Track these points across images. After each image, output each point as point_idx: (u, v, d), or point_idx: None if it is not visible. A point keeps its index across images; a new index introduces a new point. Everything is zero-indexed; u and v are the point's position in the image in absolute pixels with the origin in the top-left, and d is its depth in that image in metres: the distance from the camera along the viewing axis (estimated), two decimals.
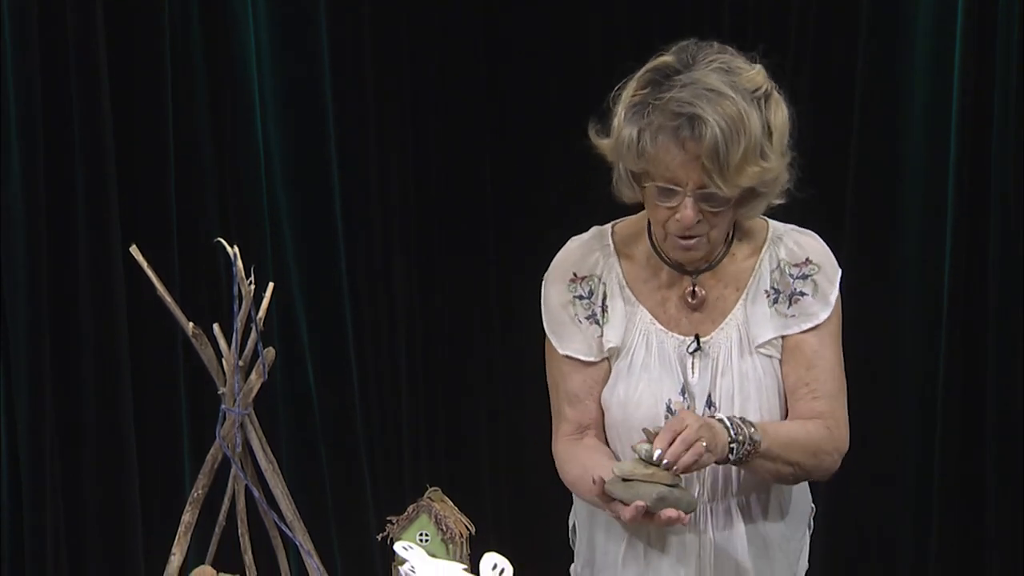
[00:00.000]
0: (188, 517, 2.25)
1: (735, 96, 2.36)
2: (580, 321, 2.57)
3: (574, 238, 2.64)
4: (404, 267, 4.17)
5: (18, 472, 3.63)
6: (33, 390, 3.64)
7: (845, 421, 2.53)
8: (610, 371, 2.58)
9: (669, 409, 2.52)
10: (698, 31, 4.01)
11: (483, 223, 4.22)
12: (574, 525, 2.76)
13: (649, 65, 2.44)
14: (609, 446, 2.62)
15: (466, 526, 2.81)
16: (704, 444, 2.31)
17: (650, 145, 2.38)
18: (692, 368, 2.54)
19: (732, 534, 2.57)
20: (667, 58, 2.43)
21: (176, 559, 2.24)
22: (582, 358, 2.57)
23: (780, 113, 2.43)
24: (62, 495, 3.69)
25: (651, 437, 2.34)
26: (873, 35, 3.83)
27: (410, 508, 2.80)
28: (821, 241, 2.58)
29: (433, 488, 2.83)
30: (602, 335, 2.56)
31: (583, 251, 2.60)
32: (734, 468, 2.51)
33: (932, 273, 3.83)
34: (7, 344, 3.63)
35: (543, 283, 2.62)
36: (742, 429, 2.39)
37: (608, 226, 2.63)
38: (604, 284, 2.57)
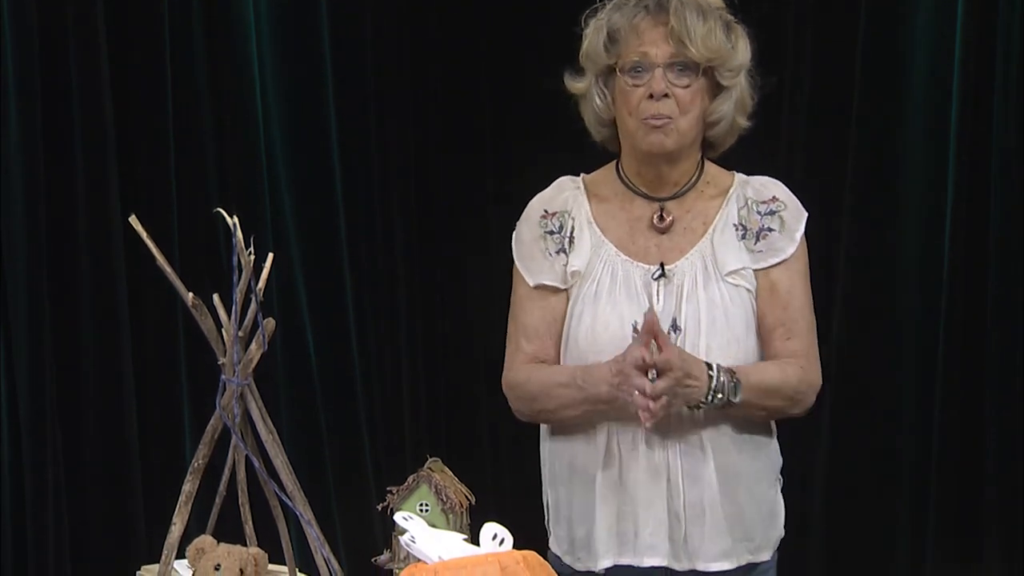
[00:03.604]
0: (189, 487, 2.25)
1: None
2: (550, 254, 2.68)
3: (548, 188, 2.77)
4: (404, 236, 4.17)
5: (19, 443, 3.63)
6: (34, 361, 3.64)
7: (816, 358, 2.63)
8: (568, 306, 2.66)
9: (635, 330, 2.58)
10: None
11: (483, 193, 4.21)
12: (546, 502, 2.78)
13: None
14: None
15: (466, 496, 2.80)
16: (664, 403, 2.43)
17: (621, 23, 2.57)
18: (657, 294, 2.60)
19: (703, 471, 2.59)
20: None
21: (177, 528, 2.24)
22: (549, 283, 2.66)
23: (742, 40, 2.61)
24: (64, 465, 3.69)
25: (643, 336, 2.46)
26: (873, 14, 3.80)
27: (410, 478, 2.79)
28: (785, 187, 2.69)
29: (433, 458, 2.83)
30: (567, 263, 2.65)
31: (554, 192, 2.74)
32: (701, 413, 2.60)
33: (932, 253, 3.78)
34: (7, 318, 3.62)
35: (517, 225, 2.73)
36: (723, 389, 2.49)
37: (578, 175, 2.75)
38: (573, 219, 2.68)
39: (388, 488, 2.81)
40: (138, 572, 3.01)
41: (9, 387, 3.62)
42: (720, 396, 2.50)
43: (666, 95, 2.54)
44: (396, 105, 4.16)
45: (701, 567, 2.59)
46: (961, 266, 3.70)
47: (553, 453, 2.74)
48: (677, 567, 2.59)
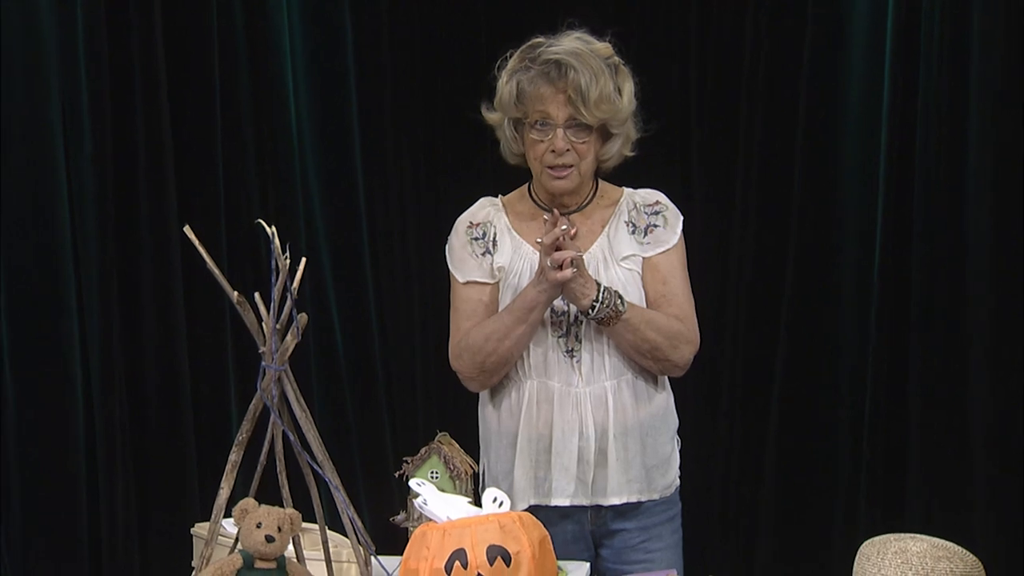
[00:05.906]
0: (234, 457, 2.24)
1: (592, 56, 2.66)
2: (477, 256, 2.79)
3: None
4: (417, 241, 4.15)
5: (94, 430, 3.65)
6: (105, 354, 3.65)
7: (695, 324, 2.76)
8: (499, 295, 2.76)
9: (552, 309, 2.72)
10: (674, 34, 3.89)
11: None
12: (482, 470, 2.83)
13: (524, 45, 2.72)
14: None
15: (471, 465, 2.81)
16: (575, 269, 2.58)
17: (528, 87, 2.67)
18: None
19: (607, 425, 2.69)
20: (538, 39, 2.72)
21: (224, 493, 2.23)
22: (479, 279, 2.77)
23: (628, 82, 2.73)
24: (131, 441, 3.70)
25: (552, 220, 2.60)
26: (815, 54, 3.77)
27: (423, 450, 2.80)
28: (665, 195, 2.84)
29: (442, 433, 2.84)
30: (493, 262, 2.76)
31: (477, 208, 2.86)
32: (607, 356, 2.69)
33: (864, 260, 3.74)
34: (83, 314, 3.63)
35: (448, 240, 2.84)
36: (611, 296, 2.63)
37: (496, 197, 2.87)
38: (495, 227, 2.79)
39: (404, 458, 2.81)
40: (192, 528, 3.02)
41: (84, 381, 3.64)
42: (608, 300, 2.62)
43: (567, 149, 2.67)
44: (410, 120, 4.11)
45: (603, 502, 2.71)
46: (891, 273, 3.68)
47: (484, 423, 2.83)
48: (586, 503, 2.71)
